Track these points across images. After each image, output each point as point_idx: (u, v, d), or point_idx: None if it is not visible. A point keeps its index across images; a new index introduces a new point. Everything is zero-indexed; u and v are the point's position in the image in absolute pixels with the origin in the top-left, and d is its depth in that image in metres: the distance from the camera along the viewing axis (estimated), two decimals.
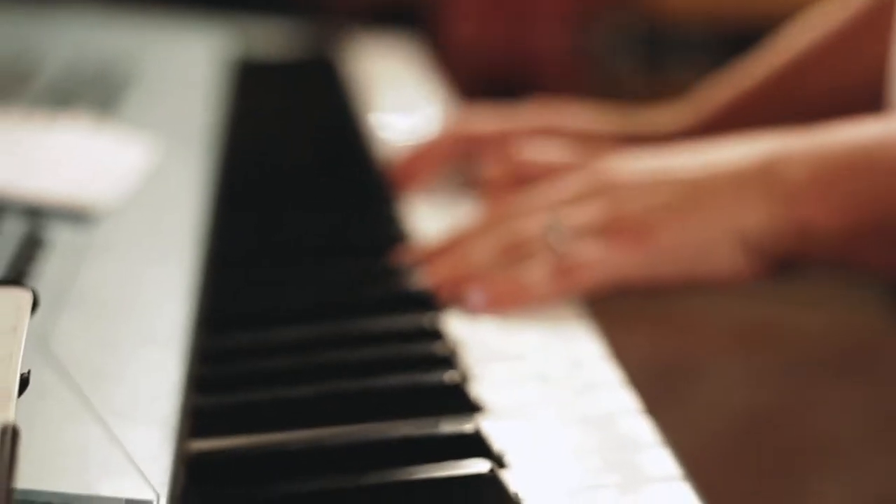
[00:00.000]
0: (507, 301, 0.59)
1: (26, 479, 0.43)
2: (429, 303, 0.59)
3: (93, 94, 0.93)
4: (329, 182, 0.80)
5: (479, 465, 0.46)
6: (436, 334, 0.56)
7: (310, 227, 0.70)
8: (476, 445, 0.47)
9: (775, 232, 0.60)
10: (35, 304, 0.49)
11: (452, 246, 0.63)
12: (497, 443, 0.48)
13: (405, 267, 0.63)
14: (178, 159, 0.83)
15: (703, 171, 0.61)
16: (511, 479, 0.45)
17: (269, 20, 1.26)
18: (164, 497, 0.44)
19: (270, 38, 1.22)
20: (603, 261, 0.60)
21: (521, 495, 0.44)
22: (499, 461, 0.46)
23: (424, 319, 0.57)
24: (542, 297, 0.59)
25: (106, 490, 0.44)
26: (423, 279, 0.61)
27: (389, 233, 0.68)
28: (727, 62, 0.87)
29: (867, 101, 0.80)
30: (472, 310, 0.58)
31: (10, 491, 0.40)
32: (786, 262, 0.61)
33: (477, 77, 3.21)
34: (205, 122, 0.93)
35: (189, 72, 1.07)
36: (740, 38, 3.53)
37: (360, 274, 0.63)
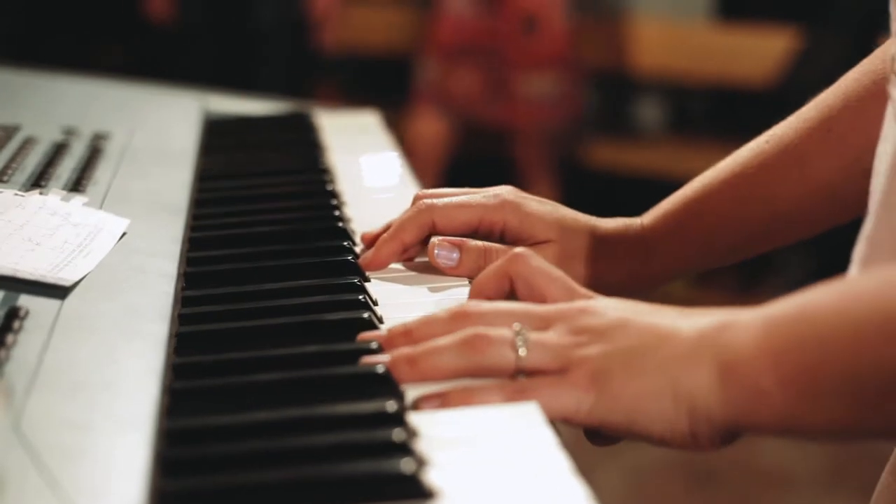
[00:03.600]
0: (456, 404, 0.61)
1: None
2: (390, 387, 0.62)
3: (66, 163, 0.95)
4: (300, 253, 0.82)
5: None
6: (396, 420, 0.58)
7: (278, 305, 0.72)
8: None
9: (723, 399, 0.59)
10: (9, 398, 0.50)
11: (418, 328, 0.65)
12: None
13: (369, 348, 0.66)
14: (151, 225, 0.85)
15: (666, 331, 0.62)
16: None
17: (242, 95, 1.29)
18: None
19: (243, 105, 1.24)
20: (555, 394, 0.61)
21: None
22: None
23: (387, 405, 0.59)
24: (487, 403, 0.61)
25: None
26: (382, 361, 0.63)
27: (358, 313, 0.70)
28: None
29: (806, 216, 0.86)
30: (426, 406, 0.61)
31: None
32: (732, 435, 0.61)
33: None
34: (179, 184, 0.95)
35: (163, 137, 1.09)
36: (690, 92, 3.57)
37: (327, 356, 0.65)
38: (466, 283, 0.79)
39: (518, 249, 0.70)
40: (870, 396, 0.57)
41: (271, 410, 0.59)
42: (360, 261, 0.80)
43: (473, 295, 0.70)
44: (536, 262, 0.69)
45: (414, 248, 0.82)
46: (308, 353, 0.65)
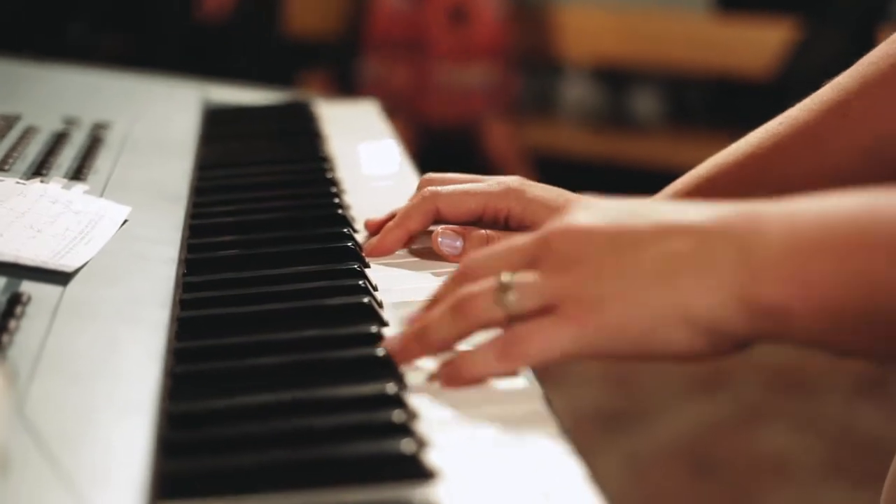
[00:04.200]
0: (455, 382, 0.61)
1: None
2: (390, 370, 0.62)
3: (67, 152, 0.96)
4: (300, 239, 0.82)
5: None
6: (396, 401, 0.59)
7: (279, 291, 0.73)
8: None
9: (748, 317, 0.56)
10: (13, 381, 0.51)
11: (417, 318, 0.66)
12: None
13: (369, 332, 0.66)
14: (152, 212, 0.86)
15: (667, 225, 0.58)
16: None
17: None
18: None
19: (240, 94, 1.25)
20: (547, 336, 0.58)
21: None
22: None
23: (387, 387, 0.60)
24: (487, 375, 0.61)
25: None
26: (392, 348, 0.64)
27: (358, 298, 0.71)
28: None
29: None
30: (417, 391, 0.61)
31: None
32: (753, 342, 0.58)
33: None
34: (179, 173, 0.96)
35: (163, 127, 1.09)
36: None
37: (327, 340, 0.66)
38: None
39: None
40: None
41: (272, 393, 0.60)
42: (366, 248, 0.81)
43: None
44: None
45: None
46: (308, 338, 0.66)
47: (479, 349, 0.61)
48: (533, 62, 3.59)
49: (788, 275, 0.55)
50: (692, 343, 0.57)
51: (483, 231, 0.81)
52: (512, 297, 0.60)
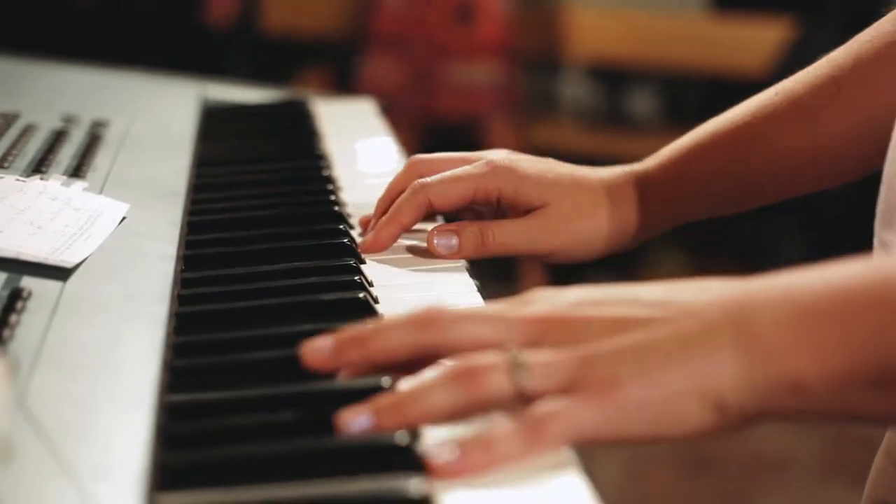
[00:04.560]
0: (478, 469, 0.53)
1: None
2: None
3: (66, 150, 0.97)
4: (296, 236, 0.83)
5: None
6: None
7: (275, 286, 0.74)
8: None
9: (758, 393, 0.53)
10: (15, 371, 0.52)
11: (371, 337, 0.58)
12: None
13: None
14: (150, 209, 0.87)
15: (665, 319, 0.55)
16: None
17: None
18: None
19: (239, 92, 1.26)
20: (571, 415, 0.53)
21: None
22: None
23: (382, 380, 0.60)
24: (512, 459, 0.53)
25: None
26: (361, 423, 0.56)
27: (354, 293, 0.72)
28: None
29: (810, 171, 0.86)
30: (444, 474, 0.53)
31: None
32: (766, 418, 0.54)
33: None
34: (177, 171, 0.97)
35: (161, 125, 1.10)
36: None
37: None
38: (461, 263, 0.80)
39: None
40: None
41: (269, 387, 0.60)
42: (361, 245, 0.82)
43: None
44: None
45: None
46: (304, 332, 0.66)
47: (502, 432, 0.54)
48: (531, 60, 3.60)
49: (795, 346, 0.53)
50: (704, 421, 0.54)
51: (476, 225, 0.82)
52: (526, 376, 0.55)
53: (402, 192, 0.83)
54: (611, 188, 0.86)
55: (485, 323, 0.57)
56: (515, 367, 0.55)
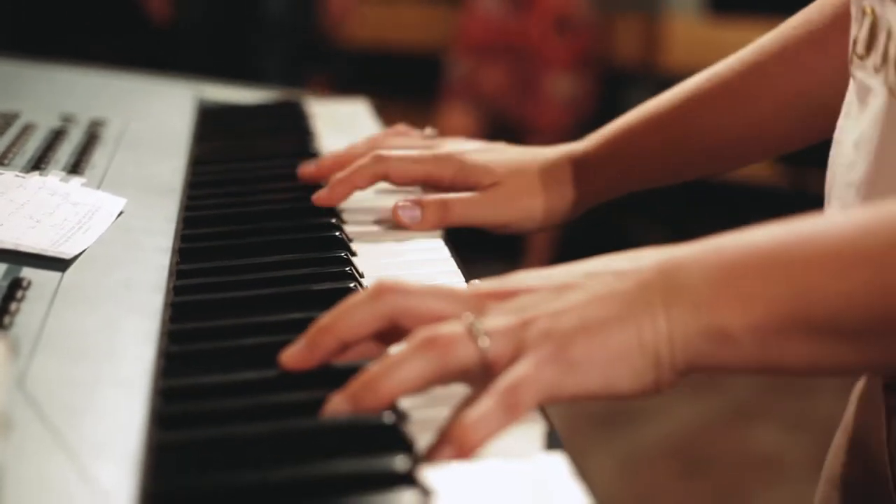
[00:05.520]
0: (467, 452, 0.55)
1: None
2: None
3: (64, 148, 0.99)
4: (289, 229, 0.85)
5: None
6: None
7: (268, 277, 0.76)
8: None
9: (688, 345, 0.56)
10: (16, 352, 0.54)
11: (335, 322, 0.61)
12: None
13: None
14: (147, 205, 0.89)
15: (601, 284, 0.58)
16: None
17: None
18: None
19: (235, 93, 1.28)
20: (535, 379, 0.56)
21: None
22: None
23: (369, 363, 0.62)
24: (498, 433, 0.55)
25: None
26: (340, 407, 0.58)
27: (345, 283, 0.74)
28: None
29: (739, 149, 0.94)
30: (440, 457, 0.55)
31: None
32: (695, 371, 0.58)
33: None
34: (173, 169, 0.99)
35: (158, 124, 1.12)
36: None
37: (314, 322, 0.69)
38: (451, 264, 0.82)
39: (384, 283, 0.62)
40: (848, 332, 0.55)
41: (259, 370, 0.62)
42: (314, 196, 0.88)
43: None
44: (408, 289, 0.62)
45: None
46: (294, 320, 0.69)
47: (479, 409, 0.55)
48: (637, 74, 3.62)
49: (719, 298, 0.56)
50: (644, 376, 0.57)
51: (438, 199, 0.88)
52: (485, 342, 0.57)
53: (355, 158, 0.91)
54: (550, 168, 0.93)
55: (436, 296, 0.61)
56: (476, 333, 0.57)
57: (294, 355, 0.61)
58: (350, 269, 0.76)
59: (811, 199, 0.91)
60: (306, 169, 0.94)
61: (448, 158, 0.91)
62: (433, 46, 3.74)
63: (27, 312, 0.67)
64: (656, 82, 3.59)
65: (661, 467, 2.58)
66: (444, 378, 0.58)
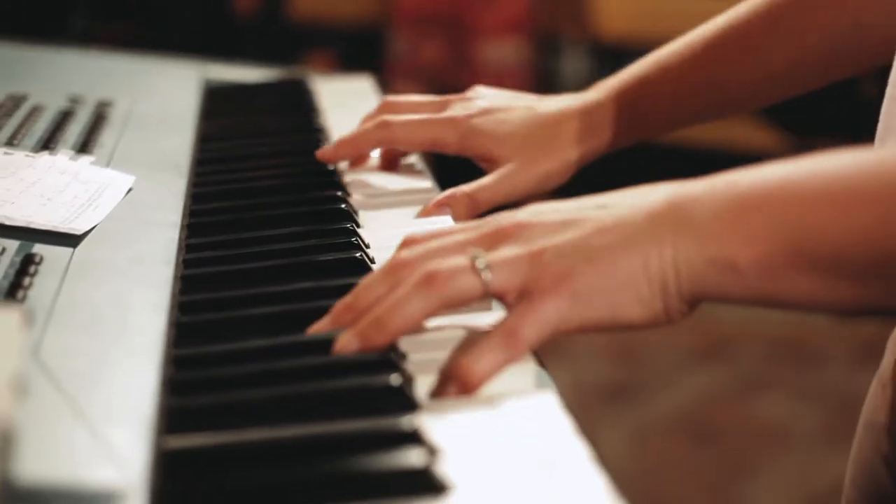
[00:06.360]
0: (467, 388, 0.58)
1: (18, 473, 0.50)
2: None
3: (73, 128, 1.00)
4: (295, 202, 0.87)
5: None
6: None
7: (275, 249, 0.77)
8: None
9: (695, 275, 0.57)
10: (30, 322, 0.55)
11: (358, 297, 0.63)
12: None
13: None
14: (155, 182, 0.90)
15: (609, 215, 0.60)
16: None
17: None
18: (142, 489, 0.51)
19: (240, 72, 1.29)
20: (536, 314, 0.58)
21: None
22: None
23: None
24: (498, 370, 0.58)
25: (89, 483, 0.51)
26: (350, 346, 0.61)
27: (350, 253, 0.76)
28: None
29: (755, 96, 0.95)
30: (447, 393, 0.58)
31: (3, 484, 0.47)
32: (701, 300, 0.59)
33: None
34: (181, 146, 1.00)
35: (165, 104, 1.13)
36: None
37: (320, 291, 0.70)
38: (450, 221, 0.84)
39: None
40: (851, 270, 0.56)
41: (268, 338, 0.64)
42: (318, 152, 0.91)
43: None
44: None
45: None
46: (302, 289, 0.70)
47: (480, 346, 0.58)
48: (569, 39, 3.62)
49: (727, 230, 0.57)
50: (652, 304, 0.58)
51: (463, 194, 0.87)
52: (487, 274, 0.59)
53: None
54: (562, 122, 0.92)
55: (443, 238, 0.63)
56: (479, 266, 0.59)
57: (345, 347, 0.61)
58: (355, 240, 0.78)
59: None
60: (324, 153, 0.93)
61: (454, 123, 0.91)
62: (375, 20, 3.71)
63: (40, 286, 0.69)
64: (592, 48, 3.60)
65: (671, 439, 2.60)
66: (451, 309, 0.60)
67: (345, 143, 0.91)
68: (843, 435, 2.42)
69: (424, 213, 0.86)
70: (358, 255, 0.75)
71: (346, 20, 3.83)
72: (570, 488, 0.52)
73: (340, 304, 0.63)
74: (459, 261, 0.60)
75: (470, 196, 0.87)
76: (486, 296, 0.59)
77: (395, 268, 0.62)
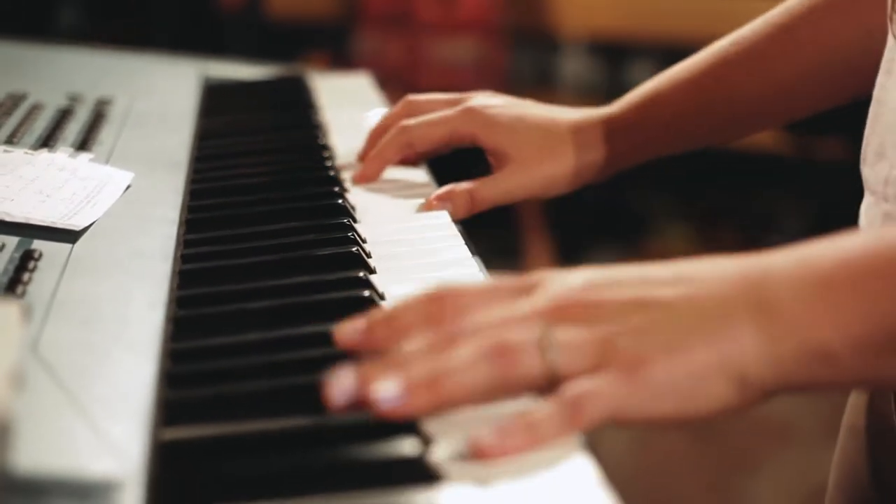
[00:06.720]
0: (520, 450, 0.53)
1: (18, 463, 0.51)
2: (374, 308, 0.67)
3: (72, 126, 1.01)
4: (293, 198, 0.87)
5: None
6: None
7: (272, 244, 0.78)
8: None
9: (783, 366, 0.52)
10: (28, 316, 0.56)
11: (397, 316, 0.57)
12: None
13: (358, 276, 0.71)
14: (154, 179, 0.91)
15: (683, 296, 0.54)
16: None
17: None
18: (139, 479, 0.52)
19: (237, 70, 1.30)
20: (605, 394, 0.53)
21: None
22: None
23: None
24: (552, 440, 0.53)
25: (87, 473, 0.52)
26: (391, 394, 0.54)
27: (347, 248, 0.76)
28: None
29: (765, 113, 0.94)
30: (475, 455, 0.53)
31: (2, 475, 0.48)
32: (786, 391, 0.54)
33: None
34: (179, 144, 1.01)
35: (164, 101, 1.14)
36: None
37: (316, 285, 0.71)
38: (444, 217, 0.84)
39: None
40: None
41: (264, 332, 0.65)
42: (353, 177, 0.92)
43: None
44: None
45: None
46: (299, 283, 0.71)
47: (543, 414, 0.53)
48: (529, 37, 3.62)
49: (817, 316, 0.52)
50: (728, 398, 0.53)
51: (463, 190, 0.88)
52: (556, 355, 0.54)
53: (389, 126, 0.93)
54: (577, 131, 0.93)
55: (500, 311, 0.56)
56: (547, 345, 0.54)
57: (385, 404, 0.54)
58: (352, 234, 0.78)
59: (818, 168, 0.92)
60: (360, 169, 0.94)
61: (471, 112, 0.91)
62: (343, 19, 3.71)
63: (39, 282, 0.69)
64: (552, 46, 3.60)
65: (673, 436, 2.60)
66: (507, 390, 0.54)
67: (371, 160, 0.92)
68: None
69: (425, 207, 0.87)
70: (354, 249, 0.75)
71: (319, 19, 3.83)
72: None
73: (378, 315, 0.57)
74: (525, 335, 0.54)
75: (470, 192, 0.88)
76: (549, 379, 0.54)
77: (436, 300, 0.57)
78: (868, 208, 0.75)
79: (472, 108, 0.91)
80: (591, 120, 0.93)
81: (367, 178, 0.92)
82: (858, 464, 0.81)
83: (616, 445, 2.52)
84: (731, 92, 0.91)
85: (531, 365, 0.54)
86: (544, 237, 3.15)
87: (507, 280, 0.59)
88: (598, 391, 0.53)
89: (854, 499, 0.82)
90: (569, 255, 3.18)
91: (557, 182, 0.92)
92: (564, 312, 0.55)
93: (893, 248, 0.53)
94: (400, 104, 0.96)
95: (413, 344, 0.56)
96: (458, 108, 0.92)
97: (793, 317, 0.53)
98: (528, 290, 0.57)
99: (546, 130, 0.92)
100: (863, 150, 0.76)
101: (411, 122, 0.91)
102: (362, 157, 0.96)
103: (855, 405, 0.83)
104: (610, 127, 0.93)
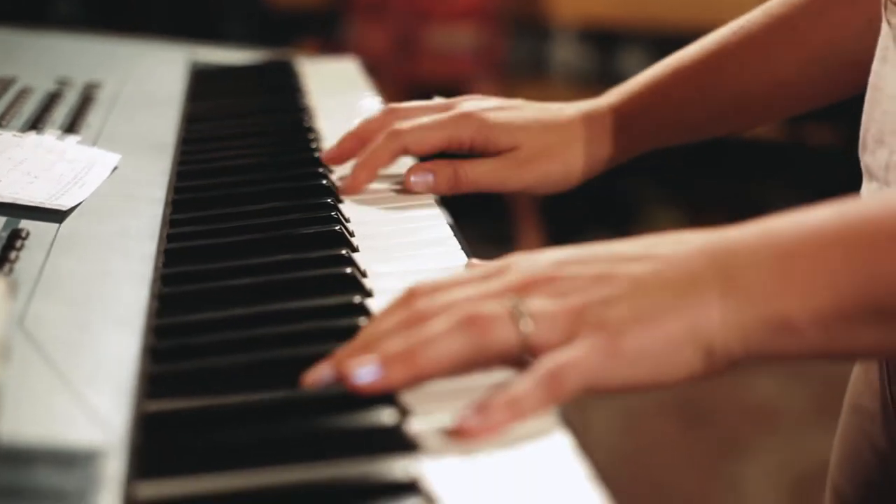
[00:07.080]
0: (504, 426, 0.54)
1: (3, 432, 0.52)
2: (355, 285, 0.68)
3: (60, 109, 1.02)
4: (278, 179, 0.89)
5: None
6: (360, 310, 0.65)
7: (256, 223, 0.79)
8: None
9: (746, 336, 0.54)
10: (14, 291, 0.57)
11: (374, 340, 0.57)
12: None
13: (340, 254, 0.72)
14: (141, 161, 0.92)
15: (651, 271, 0.56)
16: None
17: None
18: (122, 448, 0.53)
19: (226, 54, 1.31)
20: (582, 364, 0.53)
21: None
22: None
23: (353, 298, 0.66)
24: (535, 412, 0.54)
25: (72, 442, 0.53)
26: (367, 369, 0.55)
27: (330, 227, 0.77)
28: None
29: (768, 104, 0.92)
30: (459, 435, 0.53)
31: None
32: (753, 361, 0.55)
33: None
34: (167, 126, 1.02)
35: (152, 85, 1.15)
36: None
37: (299, 263, 0.72)
38: (430, 198, 0.85)
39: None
40: None
41: (248, 307, 0.66)
42: (340, 187, 0.87)
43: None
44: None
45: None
46: (282, 261, 0.72)
47: (523, 388, 0.54)
48: (522, 24, 3.63)
49: (779, 287, 0.53)
50: (695, 366, 0.55)
51: (450, 164, 0.87)
52: (528, 325, 0.55)
53: (373, 132, 0.88)
54: (577, 125, 0.91)
55: (464, 286, 0.58)
56: (518, 315, 0.55)
57: (362, 381, 0.55)
58: (336, 214, 0.79)
59: (809, 153, 0.93)
60: (329, 154, 0.90)
61: (467, 117, 0.87)
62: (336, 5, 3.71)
63: (26, 260, 0.70)
64: (548, 34, 3.61)
65: (662, 419, 2.62)
66: (481, 361, 0.55)
67: (361, 167, 0.86)
68: (832, 414, 2.44)
69: (407, 174, 0.86)
70: (337, 228, 0.77)
71: (312, 5, 3.84)
72: None
73: (396, 355, 0.55)
74: (496, 306, 0.55)
75: (455, 168, 0.86)
76: (523, 349, 0.55)
77: (416, 318, 0.56)
78: (871, 194, 0.75)
79: (470, 113, 0.87)
80: (588, 114, 0.91)
81: (356, 189, 0.86)
82: (860, 443, 0.82)
83: (605, 430, 2.53)
84: (730, 81, 0.90)
85: (505, 334, 0.55)
86: (536, 225, 3.17)
87: (478, 268, 0.60)
88: (574, 362, 0.54)
89: (855, 478, 0.83)
90: (561, 243, 3.18)
91: (552, 178, 0.90)
92: (536, 287, 0.56)
93: (853, 220, 0.54)
94: (382, 112, 0.91)
95: (386, 323, 0.57)
96: (453, 112, 0.88)
97: (754, 287, 0.54)
98: (499, 274, 0.59)
99: (545, 128, 0.89)
100: (861, 138, 0.76)
101: (405, 125, 0.87)
102: (331, 156, 0.90)
103: (856, 384, 0.84)
104: (608, 120, 0.91)
